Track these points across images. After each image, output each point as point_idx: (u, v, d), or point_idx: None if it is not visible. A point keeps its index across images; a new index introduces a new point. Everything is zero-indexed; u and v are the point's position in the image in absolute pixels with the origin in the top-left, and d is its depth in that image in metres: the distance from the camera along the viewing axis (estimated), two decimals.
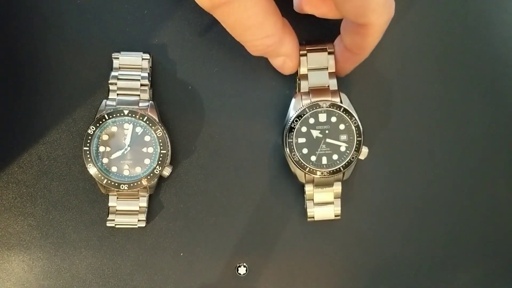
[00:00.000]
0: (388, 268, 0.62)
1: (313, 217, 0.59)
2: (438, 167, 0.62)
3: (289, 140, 0.57)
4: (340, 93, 0.57)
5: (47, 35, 0.60)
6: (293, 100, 0.58)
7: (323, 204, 0.59)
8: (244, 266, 0.61)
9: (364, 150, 0.57)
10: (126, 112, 0.56)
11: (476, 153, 0.62)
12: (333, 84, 0.58)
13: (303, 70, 0.58)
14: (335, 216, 0.59)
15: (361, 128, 0.57)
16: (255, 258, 0.61)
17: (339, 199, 0.59)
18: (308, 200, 0.59)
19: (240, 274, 0.61)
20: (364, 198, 0.62)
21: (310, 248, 0.62)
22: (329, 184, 0.58)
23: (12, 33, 0.60)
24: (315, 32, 0.61)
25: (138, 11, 0.60)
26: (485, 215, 0.62)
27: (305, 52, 0.57)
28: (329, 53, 0.57)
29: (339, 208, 0.59)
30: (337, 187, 0.58)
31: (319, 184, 0.58)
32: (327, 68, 0.58)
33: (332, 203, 0.59)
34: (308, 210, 0.59)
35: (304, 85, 0.58)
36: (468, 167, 0.62)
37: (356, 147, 0.57)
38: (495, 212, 0.62)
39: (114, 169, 0.57)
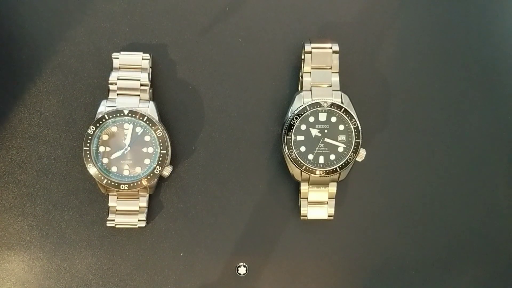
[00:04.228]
0: (388, 268, 0.62)
1: (306, 216, 0.59)
2: (437, 167, 0.62)
3: (287, 137, 0.57)
4: (342, 93, 0.58)
5: (47, 35, 0.60)
6: (295, 97, 0.58)
7: (317, 203, 0.59)
8: (244, 266, 0.61)
9: (362, 152, 0.57)
10: (126, 112, 0.56)
11: (476, 153, 0.62)
12: (335, 83, 0.58)
13: (306, 68, 0.58)
14: (328, 216, 0.59)
15: (360, 129, 0.57)
16: (255, 258, 0.61)
17: (334, 199, 0.59)
18: (302, 198, 0.59)
19: (240, 274, 0.61)
20: (363, 199, 0.62)
21: (311, 249, 0.62)
22: (325, 184, 0.58)
23: (12, 33, 0.60)
24: (321, 31, 0.61)
25: (138, 11, 0.60)
26: (485, 215, 0.62)
27: (309, 50, 0.57)
28: (334, 52, 0.57)
29: (333, 209, 0.59)
30: (332, 188, 0.58)
31: (314, 183, 0.58)
32: (330, 68, 0.58)
33: (326, 203, 0.59)
34: (301, 208, 0.59)
35: (306, 83, 0.58)
36: (468, 167, 0.62)
37: (354, 148, 0.57)
38: (495, 212, 0.62)
39: (114, 169, 0.57)
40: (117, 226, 0.58)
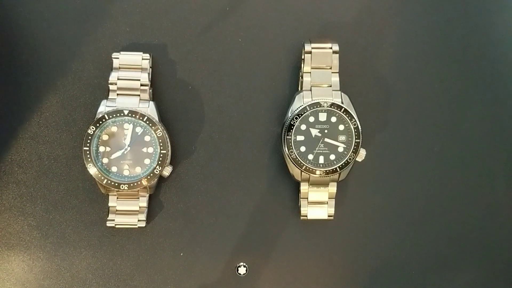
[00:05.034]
0: (388, 268, 0.62)
1: (306, 216, 0.59)
2: (437, 167, 0.62)
3: (287, 137, 0.57)
4: (342, 93, 0.58)
5: (47, 35, 0.60)
6: (295, 97, 0.58)
7: (317, 203, 0.59)
8: (244, 266, 0.61)
9: (362, 152, 0.57)
10: (126, 112, 0.56)
11: (476, 153, 0.62)
12: (335, 83, 0.58)
13: (306, 68, 0.58)
14: (328, 216, 0.59)
15: (360, 129, 0.57)
16: (255, 258, 0.61)
17: (334, 199, 0.59)
18: (302, 198, 0.59)
19: (240, 274, 0.61)
20: (362, 199, 0.62)
21: (311, 249, 0.62)
22: (325, 184, 0.58)
23: (12, 33, 0.60)
24: (321, 31, 0.61)
25: (138, 11, 0.60)
26: (485, 215, 0.62)
27: (309, 50, 0.57)
28: (334, 52, 0.57)
29: (333, 209, 0.59)
30: (332, 188, 0.58)
31: (314, 183, 0.58)
32: (330, 68, 0.58)
33: (326, 203, 0.59)
34: (301, 208, 0.59)
35: (306, 83, 0.58)
36: (468, 167, 0.62)
37: (354, 148, 0.57)
38: (495, 212, 0.62)
39: (114, 169, 0.57)
40: (117, 226, 0.58)
